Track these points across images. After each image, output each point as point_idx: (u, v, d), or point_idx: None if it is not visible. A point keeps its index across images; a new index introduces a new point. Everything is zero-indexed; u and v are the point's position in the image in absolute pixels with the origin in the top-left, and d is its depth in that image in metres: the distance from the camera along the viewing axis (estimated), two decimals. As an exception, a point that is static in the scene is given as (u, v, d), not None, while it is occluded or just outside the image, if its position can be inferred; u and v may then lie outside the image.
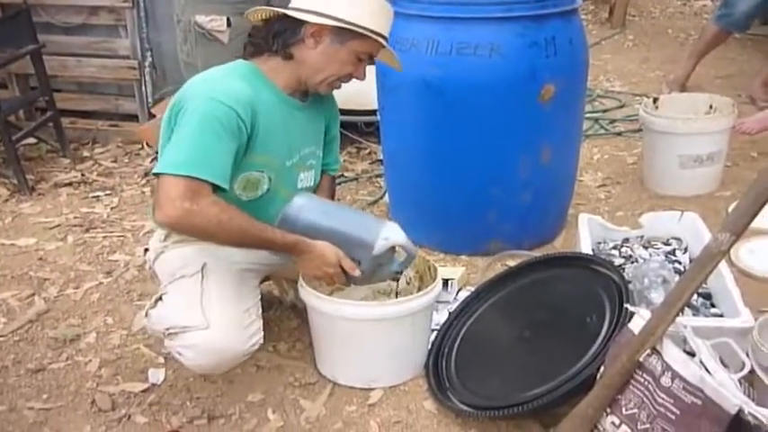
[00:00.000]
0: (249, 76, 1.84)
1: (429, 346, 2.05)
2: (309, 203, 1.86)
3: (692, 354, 1.51)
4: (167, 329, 1.78)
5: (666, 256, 2.33)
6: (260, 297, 1.97)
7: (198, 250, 1.89)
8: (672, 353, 1.50)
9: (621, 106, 4.40)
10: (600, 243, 2.43)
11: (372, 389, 1.97)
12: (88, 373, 2.08)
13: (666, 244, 2.42)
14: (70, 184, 3.44)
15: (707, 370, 1.46)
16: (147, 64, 3.79)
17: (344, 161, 3.50)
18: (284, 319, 2.27)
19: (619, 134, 3.94)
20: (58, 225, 3.03)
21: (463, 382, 1.91)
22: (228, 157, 1.73)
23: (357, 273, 1.83)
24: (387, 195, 2.98)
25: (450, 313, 2.15)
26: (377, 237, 1.81)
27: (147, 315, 1.86)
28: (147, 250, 2.06)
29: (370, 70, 2.09)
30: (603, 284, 1.90)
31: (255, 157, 1.82)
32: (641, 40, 6.29)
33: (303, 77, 1.89)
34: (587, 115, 3.74)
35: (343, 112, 2.17)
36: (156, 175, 1.71)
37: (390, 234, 1.82)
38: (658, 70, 5.23)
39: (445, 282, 2.25)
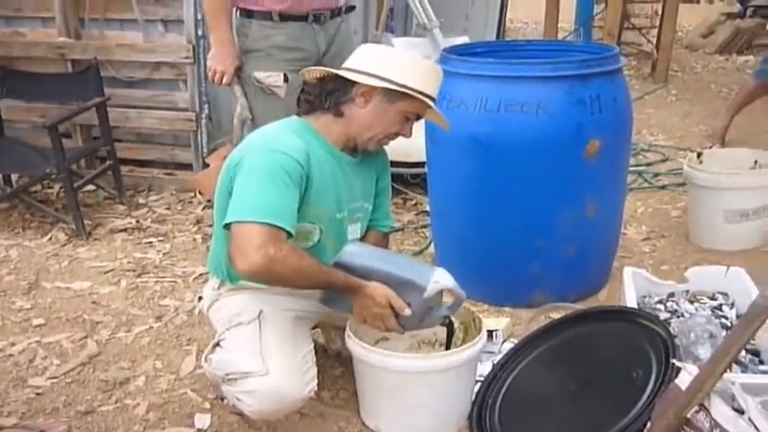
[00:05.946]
0: (302, 131, 1.91)
1: (473, 398, 2.05)
2: (361, 250, 1.91)
3: (740, 411, 1.50)
4: (227, 375, 1.82)
5: (713, 311, 2.30)
6: (313, 344, 2.00)
7: (252, 298, 1.93)
8: (720, 409, 1.48)
9: (665, 160, 4.40)
10: (645, 297, 2.41)
11: (416, 439, 1.97)
12: (136, 417, 2.11)
13: (713, 299, 2.39)
14: (125, 229, 3.51)
15: (756, 428, 1.44)
16: (203, 116, 3.89)
17: (391, 212, 3.53)
18: (328, 367, 2.27)
19: (663, 188, 3.94)
20: (112, 270, 3.09)
21: (507, 435, 1.91)
22: (295, 205, 1.79)
23: (407, 312, 1.84)
24: (432, 246, 3.02)
25: (494, 365, 2.16)
26: (428, 280, 1.83)
27: (206, 360, 1.91)
28: (200, 298, 2.12)
29: (419, 125, 2.15)
30: (649, 339, 1.89)
31: (309, 210, 1.88)
32: (684, 95, 6.30)
33: (352, 134, 1.95)
34: (631, 169, 3.74)
35: (390, 163, 2.23)
36: (227, 225, 1.75)
37: (441, 278, 1.85)
38: (701, 125, 5.22)
39: (490, 333, 2.27)
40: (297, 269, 1.74)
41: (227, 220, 1.76)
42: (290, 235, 1.76)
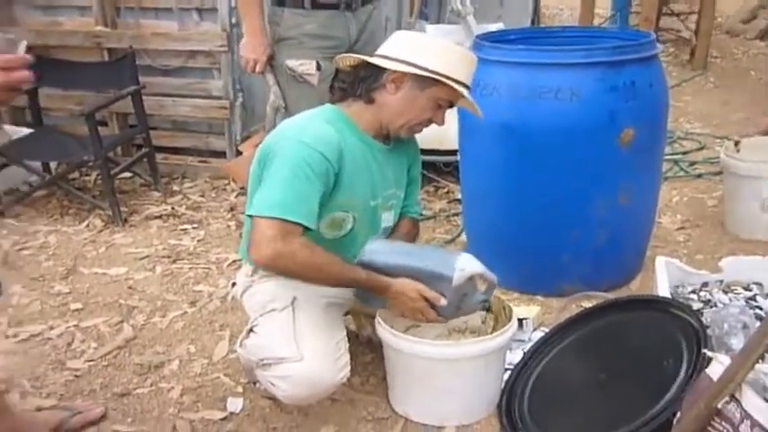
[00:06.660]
0: (335, 119, 1.92)
1: (502, 386, 2.06)
2: (380, 247, 1.90)
3: (772, 402, 1.48)
4: (261, 360, 1.84)
5: (747, 302, 2.28)
6: (346, 330, 2.01)
7: (285, 284, 1.95)
8: (752, 400, 1.47)
9: (702, 148, 4.34)
10: (678, 287, 2.39)
11: (444, 426, 1.98)
12: (170, 400, 2.16)
13: (747, 289, 2.36)
14: (160, 216, 3.56)
15: (788, 419, 1.43)
16: (237, 104, 3.93)
17: (423, 200, 3.53)
18: (359, 353, 2.29)
19: (699, 176, 3.88)
20: (148, 256, 3.15)
21: (536, 423, 1.91)
22: (317, 199, 1.80)
23: (443, 302, 1.84)
24: (464, 234, 3.01)
25: (524, 353, 2.16)
26: (453, 269, 1.82)
27: (241, 345, 1.93)
28: (234, 284, 2.15)
29: (452, 112, 2.15)
30: (681, 328, 1.88)
31: (341, 198, 1.89)
32: (723, 82, 6.19)
33: (384, 121, 1.95)
34: (667, 157, 3.70)
35: (423, 151, 2.22)
36: (250, 216, 1.79)
37: (466, 265, 1.84)
38: (740, 112, 5.12)
39: (520, 321, 2.27)
40: (307, 265, 1.77)
41: (248, 213, 1.80)
42: (307, 229, 1.78)
